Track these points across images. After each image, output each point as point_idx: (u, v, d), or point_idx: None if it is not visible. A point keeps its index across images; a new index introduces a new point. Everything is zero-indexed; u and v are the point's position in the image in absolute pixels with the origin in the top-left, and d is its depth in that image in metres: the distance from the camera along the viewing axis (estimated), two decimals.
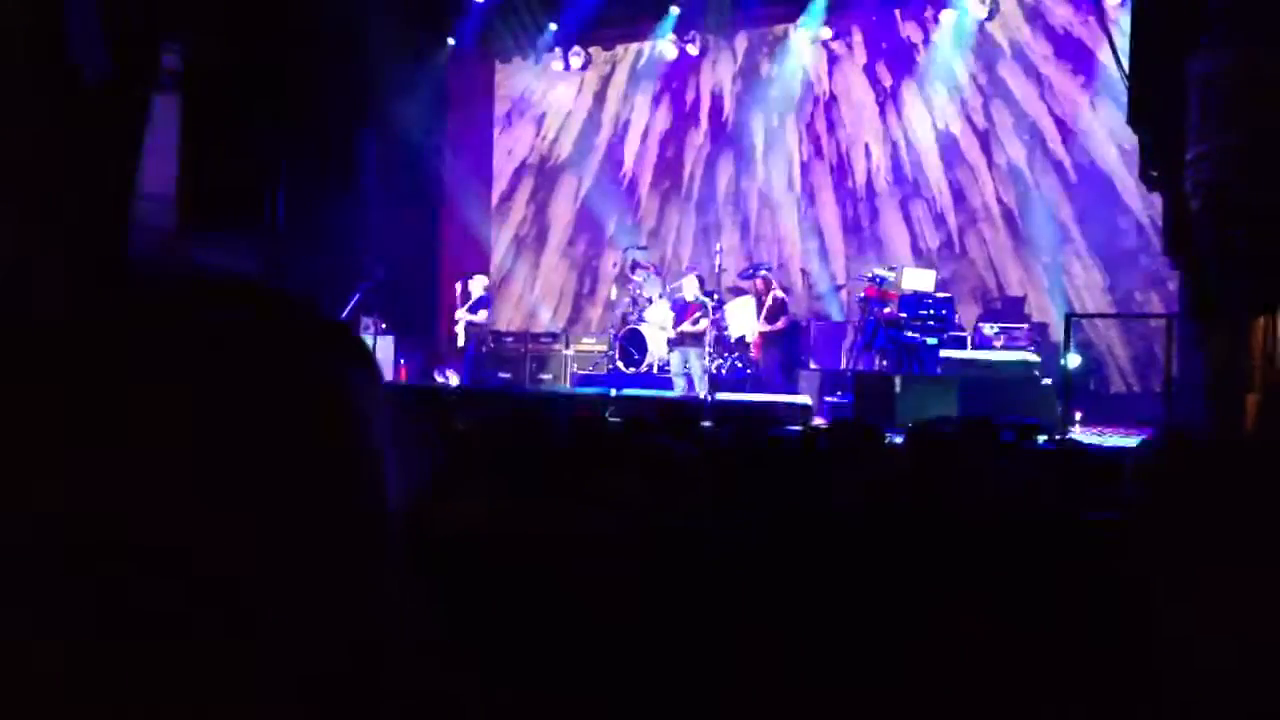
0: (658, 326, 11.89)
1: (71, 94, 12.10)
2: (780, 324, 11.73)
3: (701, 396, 10.45)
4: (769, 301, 11.62)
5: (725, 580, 2.91)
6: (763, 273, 12.17)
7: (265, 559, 0.59)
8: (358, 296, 12.67)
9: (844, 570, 2.88)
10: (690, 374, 11.38)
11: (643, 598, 2.70)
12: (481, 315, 13.30)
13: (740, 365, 12.00)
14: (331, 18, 13.28)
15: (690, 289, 11.68)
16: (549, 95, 15.47)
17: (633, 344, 12.34)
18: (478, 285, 13.45)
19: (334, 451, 0.62)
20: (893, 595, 2.65)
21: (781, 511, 3.70)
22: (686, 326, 11.44)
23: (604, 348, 13.34)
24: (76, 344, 0.59)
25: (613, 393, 10.71)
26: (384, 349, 13.09)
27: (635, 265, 13.00)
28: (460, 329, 13.30)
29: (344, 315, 12.69)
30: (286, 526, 0.60)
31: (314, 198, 13.99)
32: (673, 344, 11.62)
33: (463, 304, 13.42)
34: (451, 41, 14.94)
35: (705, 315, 11.44)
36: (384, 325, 13.01)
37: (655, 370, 12.14)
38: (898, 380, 9.62)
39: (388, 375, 12.83)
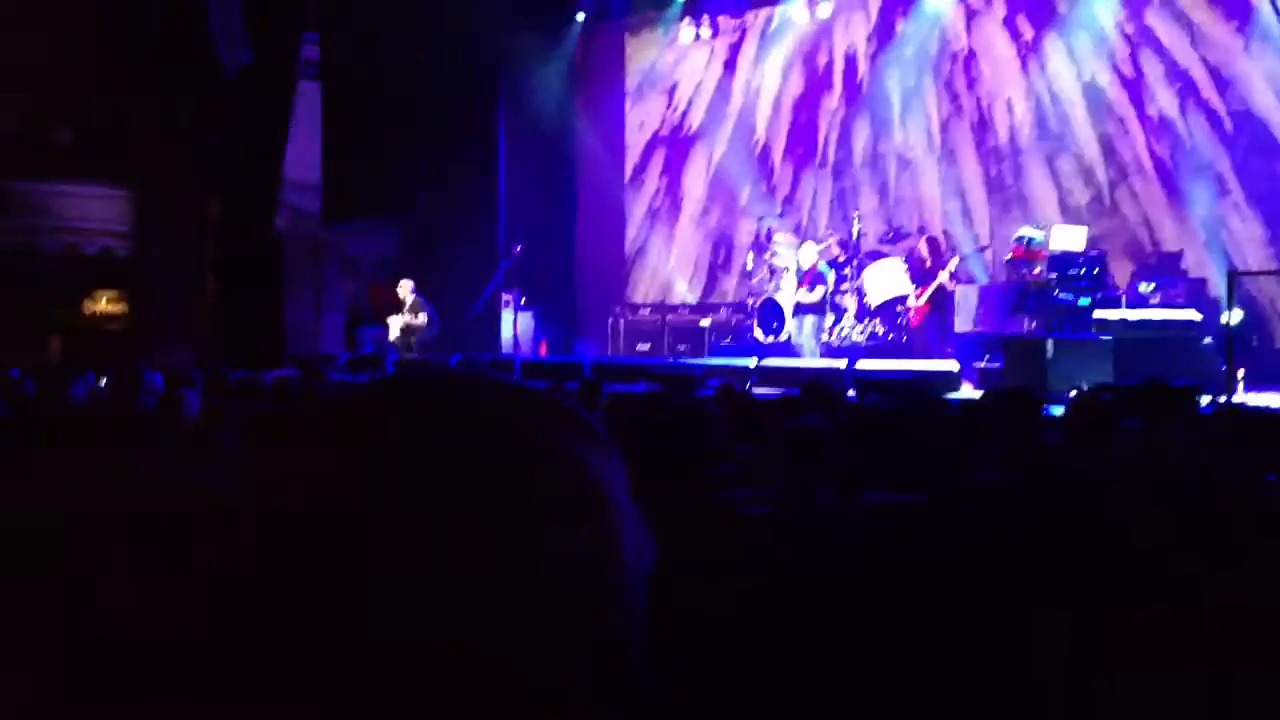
0: (778, 296, 11.74)
1: (216, 85, 12.55)
2: (932, 289, 11.35)
3: (840, 365, 10.27)
4: (929, 263, 11.21)
5: (864, 565, 2.83)
6: (914, 239, 11.88)
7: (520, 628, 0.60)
8: (500, 275, 12.83)
9: (990, 562, 2.77)
10: (803, 343, 11.28)
11: (784, 585, 2.66)
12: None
13: (883, 331, 11.76)
14: (460, 3, 13.42)
15: (806, 256, 11.49)
16: (679, 66, 15.37)
17: (770, 313, 12.22)
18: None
19: (586, 519, 0.63)
20: (1054, 585, 2.54)
21: (928, 490, 3.59)
22: (804, 294, 11.28)
23: (741, 318, 13.25)
24: (366, 419, 0.64)
25: (753, 364, 10.61)
26: (524, 325, 13.23)
27: (770, 233, 12.86)
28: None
29: (486, 294, 12.89)
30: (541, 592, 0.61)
31: (452, 179, 14.23)
32: (792, 312, 11.49)
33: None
34: (581, 16, 14.96)
35: (823, 282, 11.26)
36: (524, 301, 13.14)
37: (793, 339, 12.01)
38: (1049, 344, 9.26)
39: (526, 350, 12.99)
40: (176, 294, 13.07)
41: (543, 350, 13.72)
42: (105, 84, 12.54)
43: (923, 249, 11.19)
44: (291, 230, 13.43)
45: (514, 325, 12.96)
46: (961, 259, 11.59)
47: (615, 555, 0.64)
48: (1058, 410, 5.95)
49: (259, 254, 12.95)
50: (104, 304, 13.19)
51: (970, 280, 12.14)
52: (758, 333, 12.40)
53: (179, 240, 13.10)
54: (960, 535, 2.99)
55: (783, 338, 11.91)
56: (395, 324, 12.60)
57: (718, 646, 2.36)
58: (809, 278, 11.27)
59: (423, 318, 12.45)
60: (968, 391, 9.07)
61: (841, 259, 12.10)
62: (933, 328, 10.95)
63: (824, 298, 11.42)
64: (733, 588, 2.54)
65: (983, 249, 12.60)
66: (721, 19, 14.76)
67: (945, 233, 12.93)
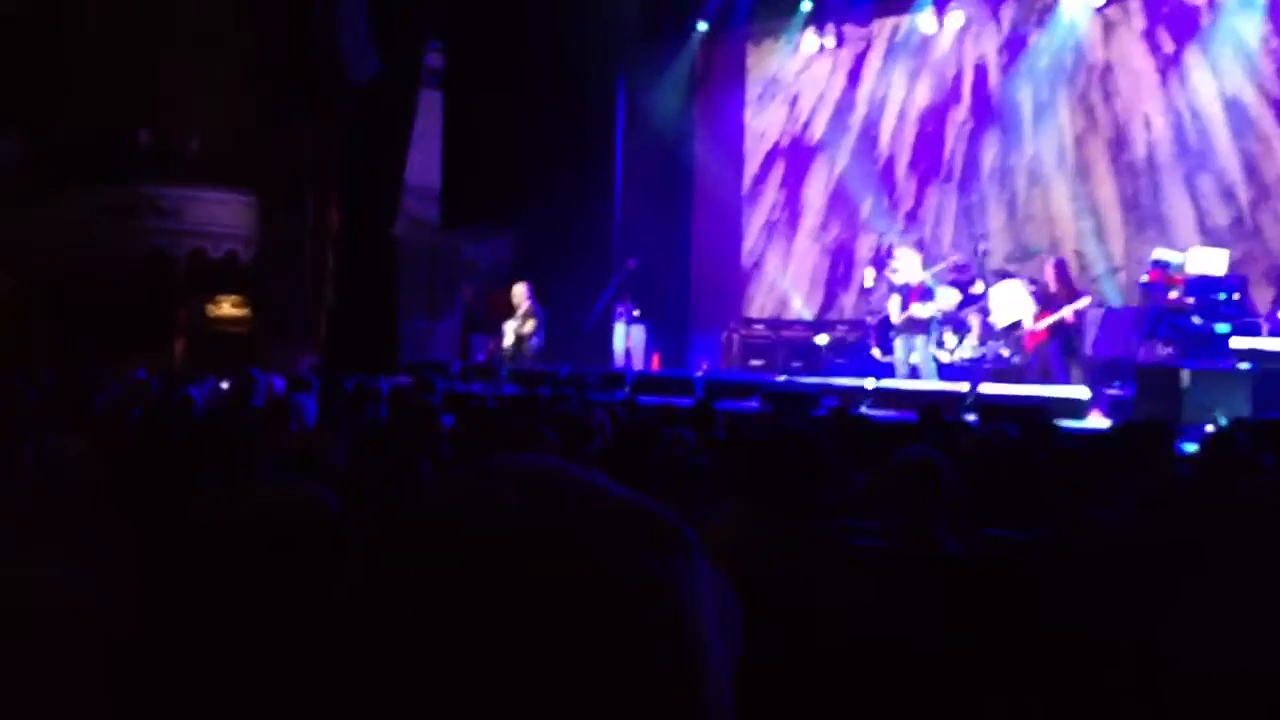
0: (897, 314, 11.25)
1: (341, 94, 12.75)
2: (1061, 311, 10.85)
3: (959, 389, 9.90)
4: (1054, 287, 10.72)
5: (985, 608, 2.64)
6: (1043, 258, 11.40)
7: None
8: (612, 287, 12.76)
9: (1119, 606, 2.54)
10: (915, 364, 10.82)
11: (898, 627, 2.48)
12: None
13: (1008, 354, 11.35)
14: (582, 10, 13.43)
15: (910, 271, 11.01)
16: (802, 75, 15.10)
17: (888, 332, 11.87)
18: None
19: (665, 650, 0.62)
20: (1189, 633, 2.31)
21: (1052, 526, 3.40)
22: (914, 309, 10.85)
23: (859, 335, 12.94)
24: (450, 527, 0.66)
25: (870, 384, 10.31)
26: (636, 337, 13.13)
27: (891, 249, 12.52)
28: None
29: (600, 306, 12.82)
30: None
31: (568, 188, 14.22)
32: (897, 330, 11.05)
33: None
34: (703, 26, 14.82)
35: (930, 299, 10.85)
36: (637, 314, 13.03)
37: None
38: (1185, 373, 8.80)
39: (638, 364, 12.87)
40: (297, 299, 13.30)
41: (655, 364, 13.59)
42: (234, 92, 12.84)
43: (1050, 274, 10.68)
44: (409, 237, 13.56)
45: (626, 338, 12.87)
46: (1091, 299, 11.05)
47: (698, 676, 0.63)
48: (1191, 446, 5.63)
49: (377, 260, 13.09)
50: (227, 308, 13.48)
51: (1102, 303, 11.64)
52: (875, 351, 12.08)
53: (301, 246, 13.32)
54: (1088, 577, 2.79)
55: (891, 358, 11.53)
56: (509, 330, 12.62)
57: (825, 690, 2.28)
58: (915, 295, 10.87)
59: (531, 325, 12.39)
60: (1096, 420, 8.67)
61: (960, 277, 11.72)
62: (1054, 353, 10.47)
63: (931, 317, 11.00)
64: (843, 628, 2.43)
65: (1116, 270, 12.08)
66: (847, 28, 14.47)
67: (1077, 252, 12.44)
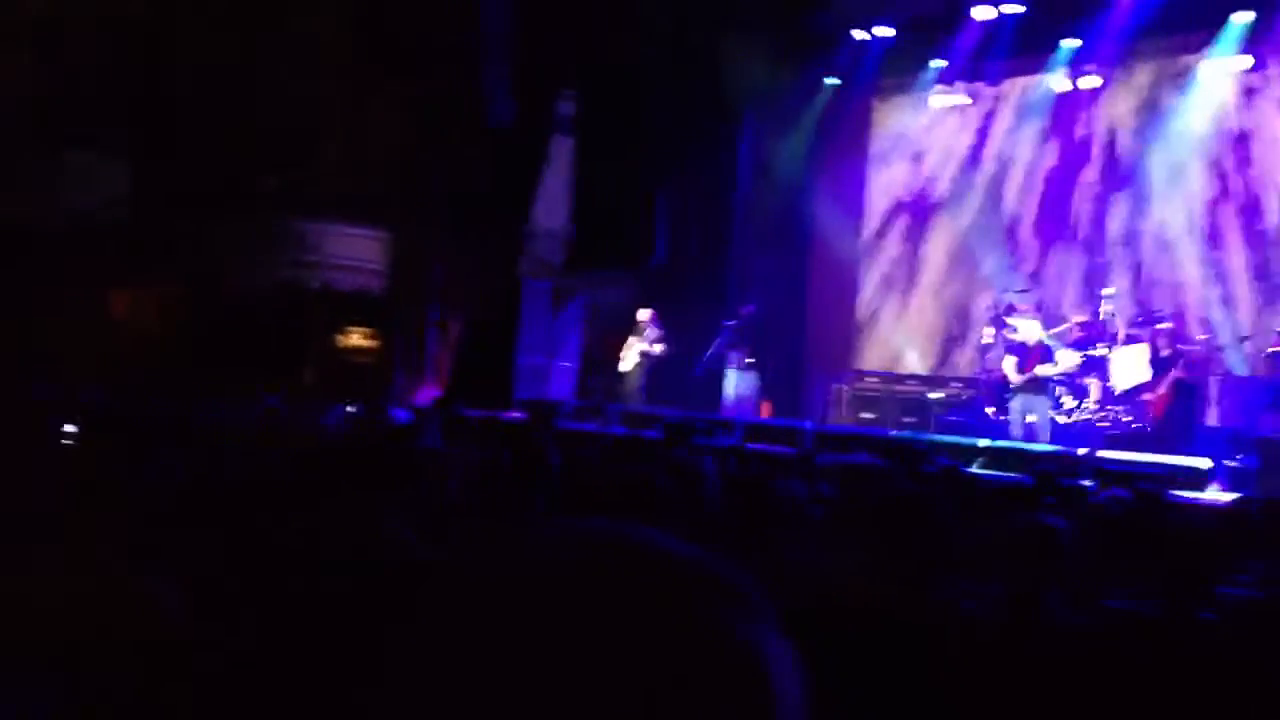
0: (1014, 374, 11.15)
1: (479, 135, 13.20)
2: (1184, 378, 10.66)
3: (1080, 452, 9.74)
4: (1167, 353, 10.57)
5: (1100, 683, 2.62)
6: (1166, 324, 11.22)
7: None
8: (726, 332, 12.88)
9: (1242, 689, 2.53)
10: (1032, 424, 10.68)
11: (1009, 701, 2.47)
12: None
13: (1128, 419, 11.14)
14: (712, 61, 13.68)
15: (1029, 331, 10.93)
16: (929, 132, 15.07)
17: (1004, 391, 11.75)
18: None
19: (748, 707, 0.62)
20: None
21: (1171, 602, 3.31)
22: (1037, 369, 10.74)
23: (973, 393, 12.82)
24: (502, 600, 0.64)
25: (983, 444, 10.22)
26: (747, 384, 13.20)
27: (1010, 308, 12.40)
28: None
29: (710, 352, 12.95)
30: None
31: (689, 235, 14.44)
32: (1014, 390, 10.93)
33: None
34: (832, 80, 14.93)
35: (1050, 360, 10.73)
36: (749, 360, 13.11)
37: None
38: None
39: (748, 410, 12.94)
40: (424, 333, 13.72)
41: (765, 411, 13.63)
42: (376, 129, 13.36)
43: (1165, 337, 10.52)
44: (533, 277, 13.91)
45: (736, 384, 12.95)
46: (1207, 350, 10.83)
47: None
48: None
49: (501, 299, 13.47)
50: (356, 339, 13.96)
51: (1229, 372, 11.37)
52: (989, 410, 11.96)
53: (429, 282, 13.75)
54: (1211, 655, 2.76)
55: (1006, 418, 11.41)
56: (632, 350, 12.82)
57: None
58: (1035, 355, 10.77)
59: (658, 346, 12.69)
60: (1215, 492, 8.47)
61: (1082, 339, 11.56)
62: (1176, 419, 10.26)
63: (1049, 378, 10.88)
64: (949, 698, 2.40)
65: (1243, 339, 11.79)
66: (978, 85, 14.42)
67: (1204, 320, 12.17)
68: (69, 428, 3.90)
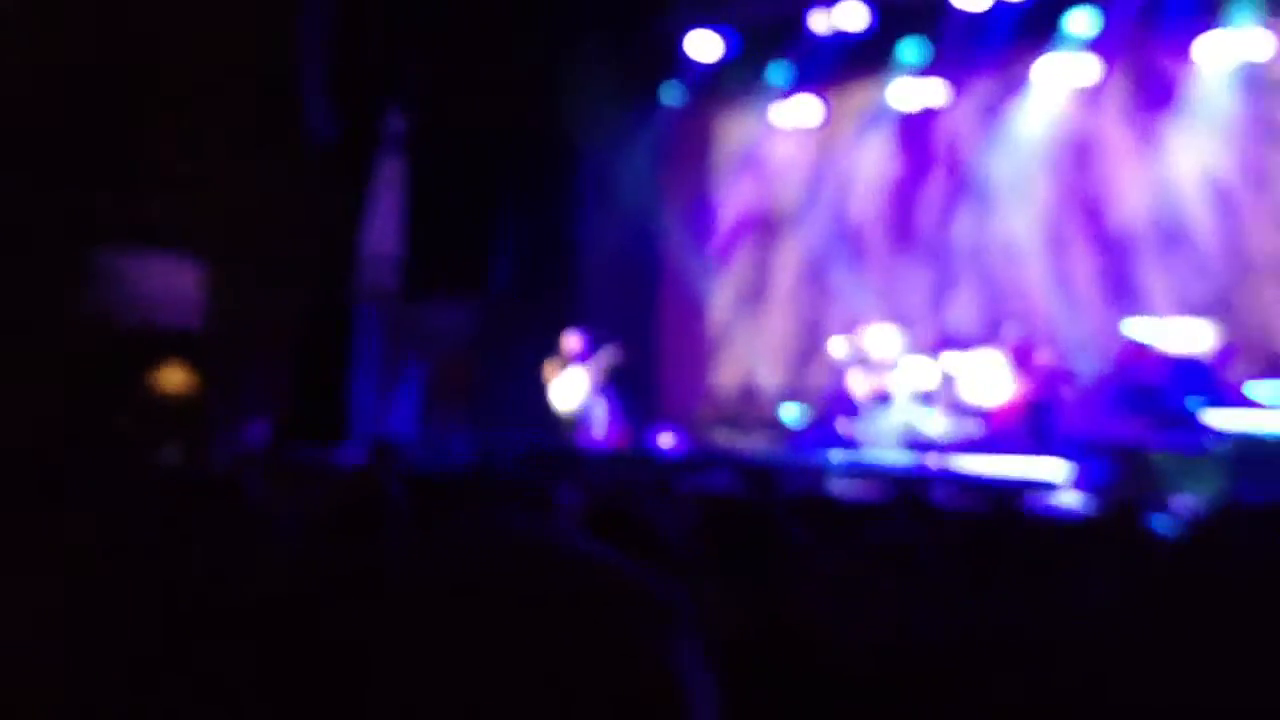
0: (865, 387, 11.03)
1: (301, 155, 12.45)
2: (1035, 386, 10.62)
3: (930, 465, 9.57)
4: (1018, 361, 10.54)
5: (978, 701, 2.38)
6: (1015, 332, 11.20)
7: None
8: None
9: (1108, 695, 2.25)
10: (886, 437, 10.61)
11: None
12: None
13: (976, 430, 11.04)
14: (547, 80, 13.24)
15: (879, 345, 10.89)
16: (771, 148, 14.90)
17: (856, 406, 11.58)
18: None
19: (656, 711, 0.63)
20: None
21: (1029, 610, 3.28)
22: (884, 382, 10.69)
23: (827, 408, 12.63)
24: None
25: (837, 458, 9.98)
26: (600, 410, 12.75)
27: (860, 321, 12.27)
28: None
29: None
30: None
31: (531, 257, 13.92)
32: (864, 404, 10.85)
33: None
34: (669, 95, 14.63)
35: (893, 372, 10.70)
36: (602, 384, 12.67)
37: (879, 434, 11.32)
38: (1158, 452, 8.54)
39: (599, 435, 12.48)
40: (252, 368, 12.89)
41: (619, 437, 13.19)
42: (191, 154, 12.54)
43: (1014, 345, 10.51)
44: (366, 305, 13.20)
45: (589, 410, 12.52)
46: (1057, 357, 10.86)
47: None
48: (1164, 523, 5.45)
49: (331, 329, 12.72)
50: (175, 377, 13.05)
51: (1079, 378, 11.38)
52: (842, 425, 11.75)
53: (255, 314, 12.93)
54: (1076, 663, 2.54)
55: (860, 432, 11.27)
56: (573, 383, 12.03)
57: None
58: (883, 368, 10.69)
59: (609, 358, 11.97)
60: (1069, 497, 8.36)
61: (930, 351, 11.48)
62: (1028, 428, 10.23)
63: (898, 391, 10.81)
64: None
65: (1090, 345, 11.84)
66: (820, 100, 14.29)
67: (1049, 326, 12.19)
68: None
